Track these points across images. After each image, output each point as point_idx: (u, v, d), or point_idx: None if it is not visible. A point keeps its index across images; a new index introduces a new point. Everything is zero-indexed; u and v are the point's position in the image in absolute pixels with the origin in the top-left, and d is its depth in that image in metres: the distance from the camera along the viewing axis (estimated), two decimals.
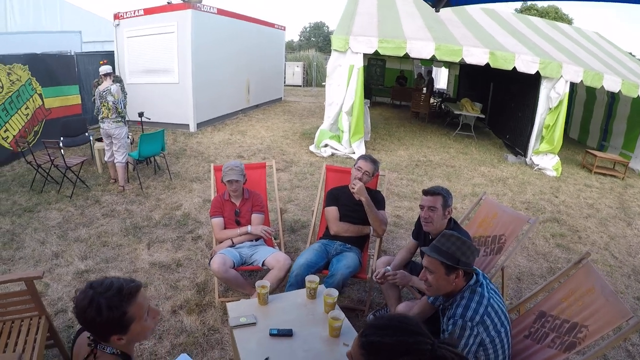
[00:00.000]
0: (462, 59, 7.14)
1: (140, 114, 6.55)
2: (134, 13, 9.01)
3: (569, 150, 9.43)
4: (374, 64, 16.88)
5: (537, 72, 7.12)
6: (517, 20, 10.26)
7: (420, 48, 7.08)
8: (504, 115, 10.04)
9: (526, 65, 7.09)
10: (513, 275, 3.76)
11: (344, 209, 3.10)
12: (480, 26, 8.78)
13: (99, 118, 5.29)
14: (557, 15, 27.66)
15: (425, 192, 2.51)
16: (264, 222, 3.25)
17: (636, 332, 2.90)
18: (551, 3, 27.62)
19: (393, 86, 15.60)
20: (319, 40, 48.52)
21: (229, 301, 2.49)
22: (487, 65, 7.19)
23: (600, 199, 6.15)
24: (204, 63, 9.07)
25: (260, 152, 7.54)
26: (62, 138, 6.28)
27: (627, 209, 5.81)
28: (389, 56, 10.79)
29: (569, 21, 28.40)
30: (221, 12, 9.67)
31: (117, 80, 6.24)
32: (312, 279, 2.33)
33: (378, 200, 3.06)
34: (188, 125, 9.13)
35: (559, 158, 7.49)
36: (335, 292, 2.20)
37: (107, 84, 5.21)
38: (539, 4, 28.26)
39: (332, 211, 3.11)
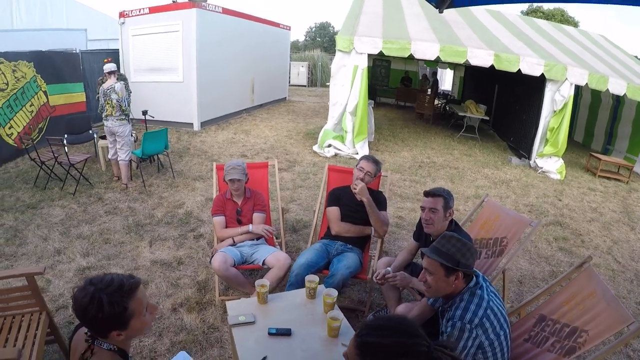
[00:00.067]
0: (467, 60, 7.12)
1: (144, 112, 6.57)
2: (140, 11, 9.06)
3: (573, 154, 9.38)
4: (379, 65, 16.86)
5: (542, 75, 7.09)
6: (523, 23, 10.22)
7: (425, 49, 7.07)
8: (508, 117, 10.01)
9: (531, 67, 7.06)
10: (515, 278, 3.74)
11: (346, 209, 3.10)
12: (486, 28, 8.75)
13: (103, 116, 5.31)
14: (563, 18, 27.56)
15: (427, 194, 2.50)
16: (265, 221, 3.26)
17: (637, 338, 2.87)
18: (557, 5, 27.49)
19: (398, 87, 15.59)
20: (324, 40, 48.54)
21: (230, 300, 2.50)
22: (492, 67, 7.16)
23: (604, 203, 6.12)
24: (209, 62, 9.09)
25: (263, 152, 7.55)
26: (66, 135, 6.30)
27: (631, 213, 5.77)
28: (394, 57, 10.78)
29: (574, 24, 28.28)
30: (226, 11, 9.69)
31: (122, 78, 6.25)
32: (312, 278, 2.32)
33: (380, 200, 3.06)
34: (192, 124, 9.16)
35: (563, 161, 7.45)
36: (334, 292, 2.20)
37: (111, 82, 5.23)
38: (545, 7, 28.15)
39: (334, 211, 3.10)
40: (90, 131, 6.83)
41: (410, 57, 7.35)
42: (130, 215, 4.61)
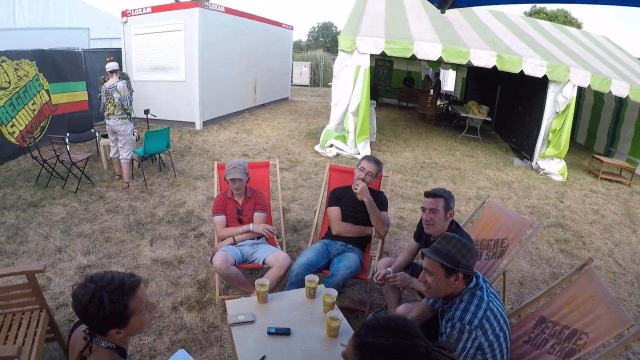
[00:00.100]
0: (469, 61, 7.11)
1: (146, 111, 6.58)
2: (142, 11, 9.07)
3: (576, 155, 9.34)
4: (382, 65, 16.85)
5: (545, 76, 7.07)
6: (525, 24, 10.19)
7: (427, 49, 7.06)
8: (510, 118, 9.98)
9: (533, 68, 7.04)
10: (515, 280, 3.73)
11: (347, 210, 3.10)
12: (488, 29, 8.73)
13: (105, 115, 5.32)
14: (566, 20, 27.49)
15: (427, 194, 2.50)
16: (266, 220, 3.26)
17: (637, 341, 2.86)
18: (560, 6, 27.40)
19: (400, 87, 15.58)
20: (327, 40, 48.51)
21: (230, 299, 2.49)
22: (495, 68, 7.15)
23: (606, 205, 6.10)
24: (211, 61, 9.10)
25: (265, 151, 7.56)
26: (68, 134, 6.33)
27: (633, 216, 5.75)
28: (397, 57, 10.77)
29: (578, 25, 28.20)
30: (229, 10, 9.70)
31: (124, 77, 6.28)
32: (312, 278, 2.32)
33: (381, 201, 3.06)
34: (194, 123, 9.17)
35: (565, 163, 7.42)
36: (334, 292, 2.20)
37: (113, 80, 5.24)
38: (548, 8, 28.08)
39: (335, 211, 3.10)
40: (92, 130, 6.85)
41: (413, 58, 7.34)
42: (131, 214, 4.62)
